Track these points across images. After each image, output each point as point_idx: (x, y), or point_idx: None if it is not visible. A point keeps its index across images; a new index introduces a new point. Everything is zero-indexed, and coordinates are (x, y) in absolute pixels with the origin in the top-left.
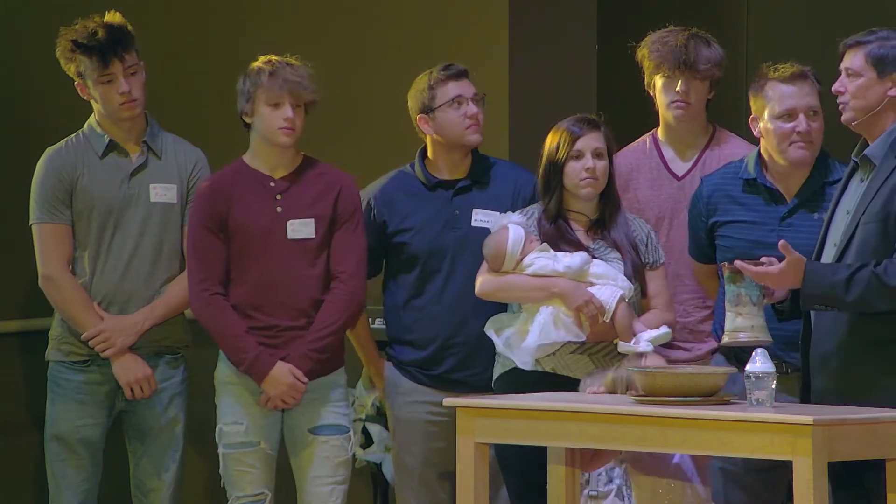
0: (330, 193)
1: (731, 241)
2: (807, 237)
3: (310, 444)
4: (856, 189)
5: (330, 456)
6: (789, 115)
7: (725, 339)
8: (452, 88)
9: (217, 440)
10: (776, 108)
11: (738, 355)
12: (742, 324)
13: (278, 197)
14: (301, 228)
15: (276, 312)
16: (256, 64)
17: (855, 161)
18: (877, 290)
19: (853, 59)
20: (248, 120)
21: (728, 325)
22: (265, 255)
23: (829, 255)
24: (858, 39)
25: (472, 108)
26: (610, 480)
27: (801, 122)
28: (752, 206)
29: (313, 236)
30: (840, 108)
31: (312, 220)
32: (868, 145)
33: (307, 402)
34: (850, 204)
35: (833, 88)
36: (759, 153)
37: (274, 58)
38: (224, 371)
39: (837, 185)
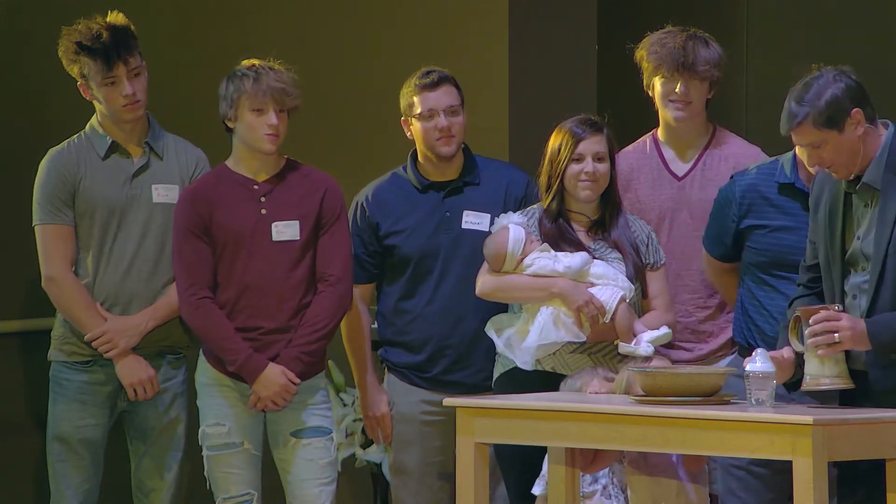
0: (315, 194)
1: (766, 245)
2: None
3: (293, 447)
4: (863, 215)
5: (314, 458)
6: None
7: (807, 385)
8: (425, 100)
9: (200, 442)
10: None
11: None
12: (826, 370)
13: (262, 199)
14: (285, 230)
15: (260, 315)
16: (239, 68)
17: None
18: None
19: (806, 135)
20: (230, 125)
21: (810, 369)
22: (250, 258)
23: (854, 282)
24: (795, 116)
25: (442, 122)
26: (595, 480)
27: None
28: (788, 210)
29: (298, 238)
30: (834, 173)
31: (297, 221)
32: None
33: (289, 405)
34: (861, 230)
35: (811, 167)
36: (794, 155)
37: (257, 62)
38: (205, 373)
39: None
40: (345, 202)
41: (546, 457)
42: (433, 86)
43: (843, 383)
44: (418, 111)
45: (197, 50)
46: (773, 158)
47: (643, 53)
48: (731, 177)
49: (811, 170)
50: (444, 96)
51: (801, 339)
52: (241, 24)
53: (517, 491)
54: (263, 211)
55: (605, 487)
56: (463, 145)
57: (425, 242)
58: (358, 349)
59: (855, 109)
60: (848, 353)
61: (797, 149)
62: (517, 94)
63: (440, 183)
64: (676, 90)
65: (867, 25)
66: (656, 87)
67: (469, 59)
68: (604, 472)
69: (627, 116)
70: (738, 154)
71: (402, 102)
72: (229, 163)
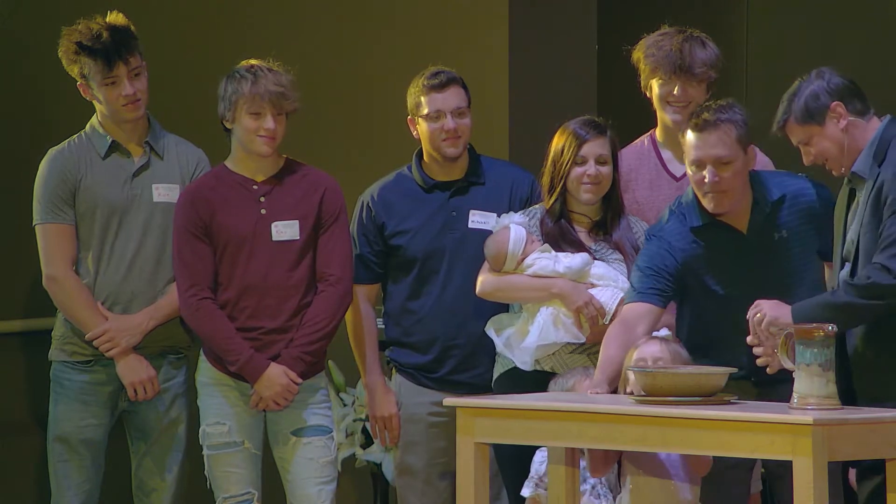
0: (314, 194)
1: (713, 294)
2: (785, 260)
3: (293, 445)
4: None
5: (314, 457)
6: (697, 165)
7: (794, 405)
8: (432, 101)
9: (201, 441)
10: (689, 155)
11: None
12: (815, 390)
13: (262, 199)
14: (285, 230)
15: (260, 315)
16: (238, 69)
17: (850, 182)
18: (848, 290)
19: (794, 134)
20: (228, 125)
21: (799, 388)
22: (250, 258)
23: (841, 274)
24: (781, 117)
25: (449, 123)
26: (584, 480)
27: (709, 174)
28: (712, 252)
29: (298, 238)
30: (831, 170)
31: (297, 221)
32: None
33: (290, 404)
34: (854, 223)
35: (807, 164)
36: (695, 195)
37: (255, 63)
38: (205, 372)
39: (784, 202)
40: (344, 202)
41: (533, 459)
42: (441, 87)
43: (832, 405)
44: (425, 112)
45: (197, 50)
46: (678, 202)
47: (640, 55)
48: (648, 237)
49: (705, 203)
50: (452, 98)
51: (792, 357)
52: (241, 24)
53: (516, 492)
54: (263, 211)
55: (593, 487)
56: (468, 145)
57: (431, 242)
58: (363, 350)
59: (834, 103)
60: (840, 370)
61: (692, 184)
62: (517, 94)
63: (445, 183)
64: (674, 92)
65: (867, 26)
66: (654, 88)
67: (469, 59)
68: None
69: (627, 117)
70: None
71: (410, 101)
72: (228, 163)
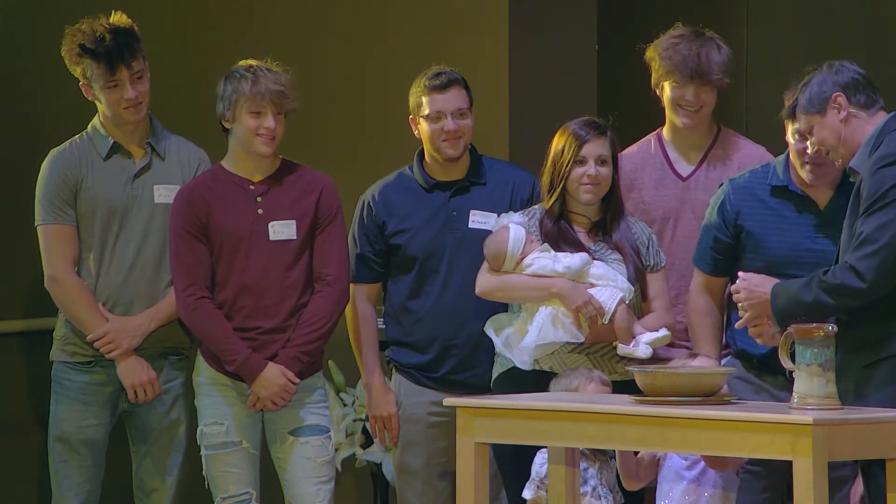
0: (311, 194)
1: (767, 250)
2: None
3: (291, 445)
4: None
5: (312, 456)
6: (801, 134)
7: (794, 405)
8: (433, 102)
9: (199, 441)
10: (794, 124)
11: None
12: (815, 390)
13: (259, 199)
14: (282, 230)
15: (258, 314)
16: (237, 69)
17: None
18: (822, 287)
19: (800, 122)
20: (227, 125)
21: (799, 388)
22: (248, 258)
23: None
24: (791, 104)
25: (450, 124)
26: (584, 482)
27: (812, 146)
28: (781, 212)
29: (295, 237)
30: (835, 162)
31: (294, 221)
32: None
33: (287, 403)
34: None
35: (812, 154)
36: (787, 158)
37: (255, 63)
38: (203, 372)
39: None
40: (341, 202)
41: (534, 460)
42: (442, 88)
43: (832, 405)
44: (426, 112)
45: (197, 50)
46: (765, 163)
47: (655, 55)
48: (721, 184)
49: (802, 173)
50: (453, 99)
51: (792, 357)
52: (241, 24)
53: (516, 493)
54: (260, 211)
55: (594, 489)
56: (469, 146)
57: (431, 241)
58: (363, 349)
59: (836, 94)
60: (840, 372)
61: (790, 152)
62: (517, 93)
63: (446, 182)
64: (687, 97)
65: (867, 26)
66: (666, 90)
67: (469, 59)
68: (592, 474)
69: (627, 116)
70: (743, 154)
71: (411, 101)
72: (225, 163)
